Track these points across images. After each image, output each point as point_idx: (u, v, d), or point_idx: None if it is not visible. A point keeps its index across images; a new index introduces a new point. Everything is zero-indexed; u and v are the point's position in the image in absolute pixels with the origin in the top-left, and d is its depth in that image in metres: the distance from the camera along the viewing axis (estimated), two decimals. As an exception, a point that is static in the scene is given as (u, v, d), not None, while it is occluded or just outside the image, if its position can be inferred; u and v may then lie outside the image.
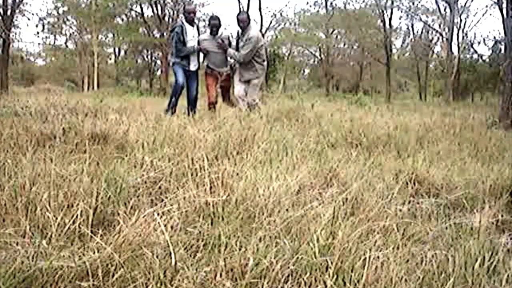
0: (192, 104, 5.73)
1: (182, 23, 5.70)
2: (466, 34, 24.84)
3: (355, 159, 3.01)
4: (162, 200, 2.00)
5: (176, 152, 2.76)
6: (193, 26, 5.76)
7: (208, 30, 5.88)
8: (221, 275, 1.39)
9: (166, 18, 20.80)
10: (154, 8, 20.55)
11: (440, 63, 26.93)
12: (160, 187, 2.23)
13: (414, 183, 2.64)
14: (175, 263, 1.40)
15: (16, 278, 1.32)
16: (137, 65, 28.07)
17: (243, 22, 5.64)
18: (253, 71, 5.70)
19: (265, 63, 5.83)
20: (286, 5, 50.19)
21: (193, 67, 5.72)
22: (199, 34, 5.80)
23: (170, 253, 1.43)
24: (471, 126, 5.98)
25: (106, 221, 1.83)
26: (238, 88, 5.82)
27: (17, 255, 1.41)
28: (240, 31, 5.71)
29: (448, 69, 21.33)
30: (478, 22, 50.44)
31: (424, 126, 5.51)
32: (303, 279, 1.41)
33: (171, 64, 5.85)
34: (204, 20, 18.72)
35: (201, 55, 5.83)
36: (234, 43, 5.78)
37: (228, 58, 5.79)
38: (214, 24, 5.72)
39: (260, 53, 5.67)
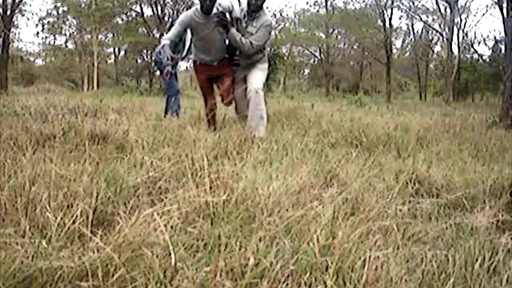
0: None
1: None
2: (466, 34, 24.89)
3: (355, 159, 3.01)
4: (162, 200, 2.00)
5: (176, 152, 2.75)
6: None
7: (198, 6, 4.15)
8: (221, 275, 1.39)
9: (166, 18, 20.75)
10: (154, 8, 20.55)
11: (440, 63, 26.95)
12: (160, 187, 2.23)
13: (414, 183, 2.63)
14: (175, 263, 1.40)
15: (16, 278, 1.32)
16: (137, 65, 28.11)
17: (257, 0, 4.13)
18: (256, 56, 4.35)
19: (267, 51, 4.60)
20: (286, 5, 50.02)
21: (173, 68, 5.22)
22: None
23: (170, 253, 1.42)
24: (471, 126, 5.98)
25: (106, 221, 1.83)
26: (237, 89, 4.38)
27: (17, 255, 1.41)
28: (247, 11, 4.26)
29: (448, 69, 21.36)
30: (478, 22, 50.90)
31: (424, 126, 5.50)
32: (303, 279, 1.41)
33: (155, 58, 5.42)
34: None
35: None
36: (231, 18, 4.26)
37: (226, 41, 4.27)
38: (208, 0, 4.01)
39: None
